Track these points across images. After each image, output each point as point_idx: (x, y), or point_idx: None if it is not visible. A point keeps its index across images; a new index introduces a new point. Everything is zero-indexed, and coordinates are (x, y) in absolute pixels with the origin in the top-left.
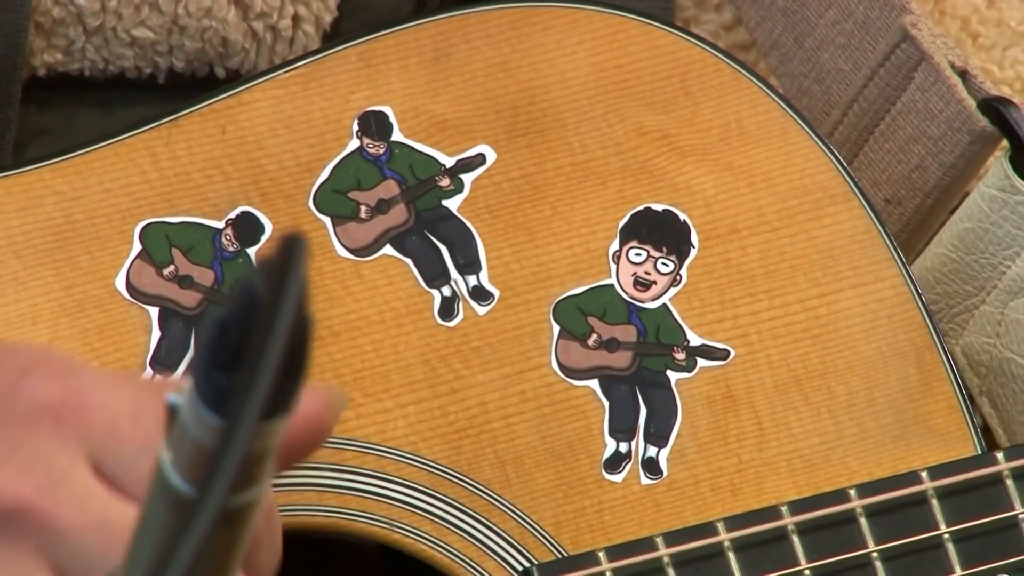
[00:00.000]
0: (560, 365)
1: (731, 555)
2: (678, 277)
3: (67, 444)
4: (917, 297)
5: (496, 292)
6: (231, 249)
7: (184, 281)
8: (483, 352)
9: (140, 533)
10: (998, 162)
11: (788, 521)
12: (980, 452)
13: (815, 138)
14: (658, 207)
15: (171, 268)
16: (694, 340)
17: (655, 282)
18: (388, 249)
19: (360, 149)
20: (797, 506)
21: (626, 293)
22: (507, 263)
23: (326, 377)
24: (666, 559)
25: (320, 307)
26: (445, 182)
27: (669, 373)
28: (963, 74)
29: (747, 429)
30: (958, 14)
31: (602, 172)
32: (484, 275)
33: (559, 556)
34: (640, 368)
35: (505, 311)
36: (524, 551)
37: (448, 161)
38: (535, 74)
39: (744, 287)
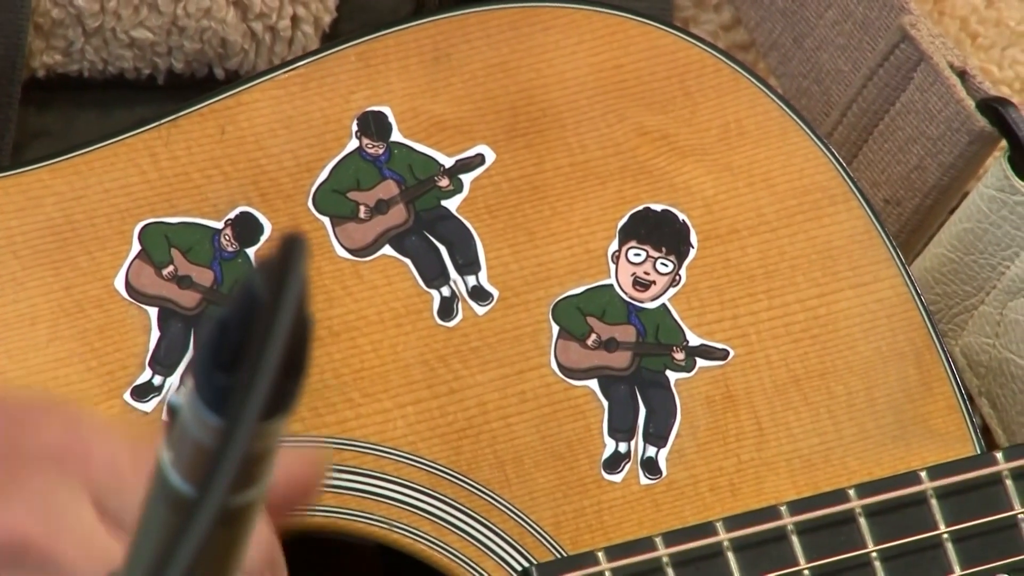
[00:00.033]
0: (559, 365)
1: (730, 555)
2: (677, 277)
3: (71, 485)
4: (916, 297)
5: (495, 292)
6: (230, 249)
7: (183, 281)
8: (482, 352)
9: (140, 533)
10: (997, 162)
11: (787, 521)
12: (979, 452)
13: (814, 138)
14: (657, 207)
15: (170, 268)
16: (693, 340)
17: (654, 282)
18: (387, 249)
19: (359, 149)
20: (796, 506)
21: (625, 293)
22: (506, 263)
23: (325, 377)
24: (665, 559)
25: (319, 307)
26: (444, 182)
27: (668, 373)
28: (962, 74)
29: (746, 429)
30: (957, 14)
31: (601, 172)
32: (483, 275)
33: (558, 556)
34: (639, 368)
35: (504, 311)
36: (523, 551)
37: (447, 161)
38: (534, 74)
39: (743, 287)
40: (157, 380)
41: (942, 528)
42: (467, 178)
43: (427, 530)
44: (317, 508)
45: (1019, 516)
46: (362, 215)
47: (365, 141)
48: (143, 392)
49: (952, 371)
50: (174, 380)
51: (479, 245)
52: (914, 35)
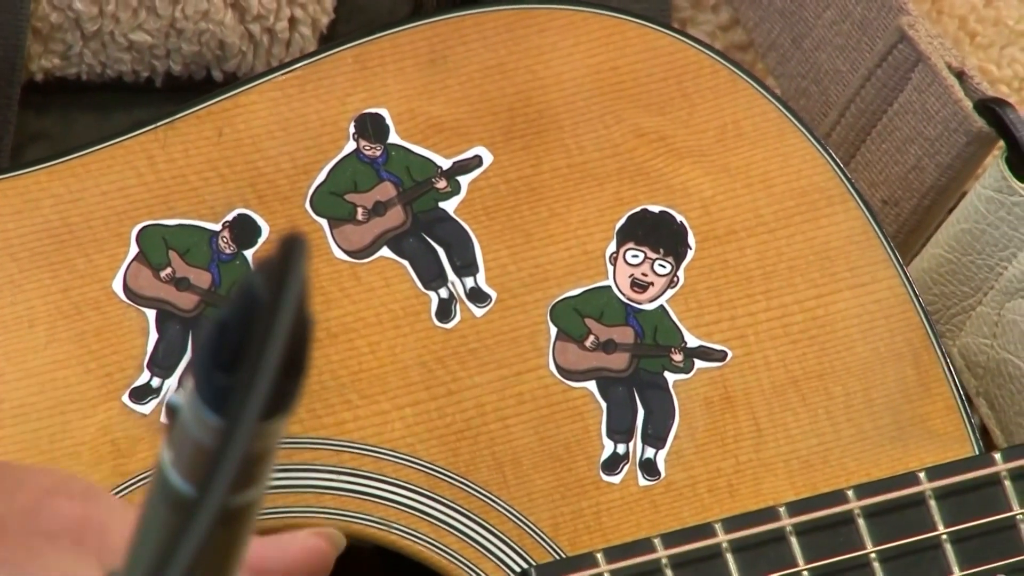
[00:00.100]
0: (557, 367)
1: (729, 556)
2: (675, 278)
3: (86, 560)
4: (914, 298)
5: (493, 294)
6: (228, 251)
7: (181, 283)
8: (480, 354)
9: (140, 533)
10: (995, 163)
11: (786, 522)
12: (978, 453)
13: (812, 139)
14: (655, 208)
15: (168, 270)
16: (691, 341)
17: (652, 283)
18: (385, 251)
19: (357, 151)
20: (795, 507)
21: (623, 294)
22: (504, 265)
23: (323, 379)
24: (664, 560)
25: (317, 309)
26: (442, 184)
27: (667, 374)
28: (960, 75)
29: (745, 430)
30: (956, 13)
31: (599, 174)
32: (481, 277)
33: (557, 557)
34: (637, 369)
35: (502, 313)
36: (522, 552)
37: (445, 163)
38: (531, 76)
39: (741, 288)
40: (155, 382)
41: (941, 529)
42: (465, 180)
43: (425, 531)
44: (316, 510)
45: (1018, 517)
46: (360, 217)
47: (362, 143)
48: (141, 394)
49: (950, 372)
50: (172, 382)
51: (477, 247)
52: (912, 35)
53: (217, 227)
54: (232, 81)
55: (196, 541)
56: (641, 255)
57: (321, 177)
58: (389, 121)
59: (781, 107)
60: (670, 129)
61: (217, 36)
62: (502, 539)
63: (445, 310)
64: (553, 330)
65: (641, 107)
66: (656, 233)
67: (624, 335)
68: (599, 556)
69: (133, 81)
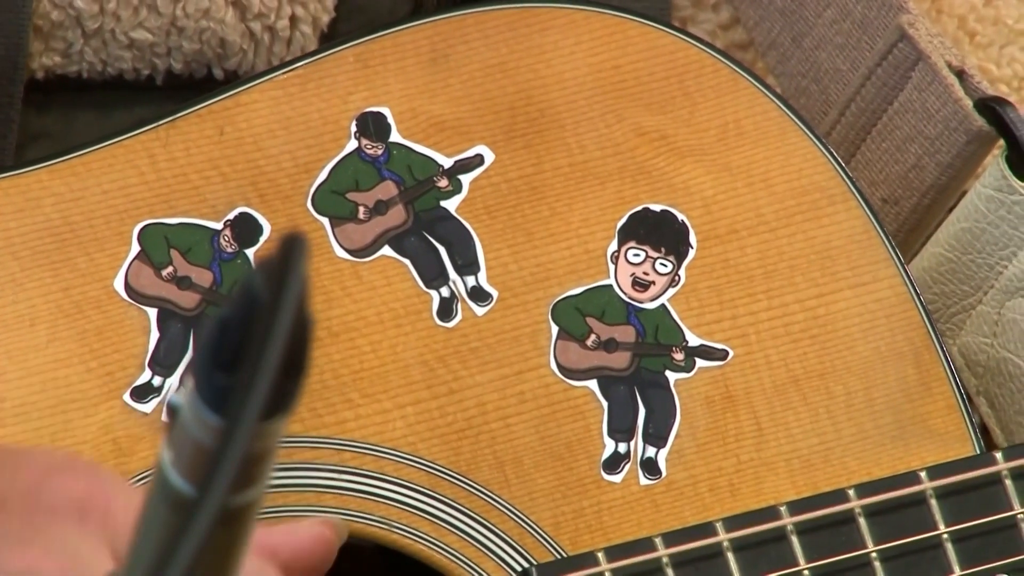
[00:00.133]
0: (559, 366)
1: (730, 555)
2: (676, 277)
3: (91, 536)
4: (915, 297)
5: (495, 293)
6: (229, 250)
7: (183, 282)
8: (482, 353)
9: (140, 533)
10: (995, 162)
11: (787, 521)
12: (978, 452)
13: (813, 138)
14: (656, 207)
15: (169, 269)
16: (693, 340)
17: (653, 282)
18: (386, 250)
19: (358, 150)
20: (796, 506)
21: (624, 293)
22: (505, 264)
23: (325, 378)
24: (665, 559)
25: (318, 308)
26: (443, 183)
27: (668, 373)
28: (960, 74)
29: (746, 429)
30: (955, 12)
31: (600, 173)
32: (483, 276)
33: (558, 556)
34: (639, 368)
35: (503, 312)
36: (523, 551)
37: (446, 162)
38: (533, 75)
39: (742, 287)
40: (157, 381)
41: (942, 528)
42: (466, 179)
43: (426, 530)
44: (317, 509)
45: (1019, 516)
46: (361, 216)
47: (364, 142)
48: (142, 393)
49: (951, 371)
50: (173, 381)
51: (478, 245)
52: (912, 34)
53: (218, 226)
54: (233, 79)
55: (196, 541)
56: (642, 254)
57: (322, 176)
58: (391, 120)
59: (782, 106)
60: (671, 128)
61: (218, 34)
62: (503, 538)
63: (446, 309)
64: (554, 329)
65: (642, 106)
66: (657, 232)
67: (625, 334)
68: (600, 555)
69: (134, 79)
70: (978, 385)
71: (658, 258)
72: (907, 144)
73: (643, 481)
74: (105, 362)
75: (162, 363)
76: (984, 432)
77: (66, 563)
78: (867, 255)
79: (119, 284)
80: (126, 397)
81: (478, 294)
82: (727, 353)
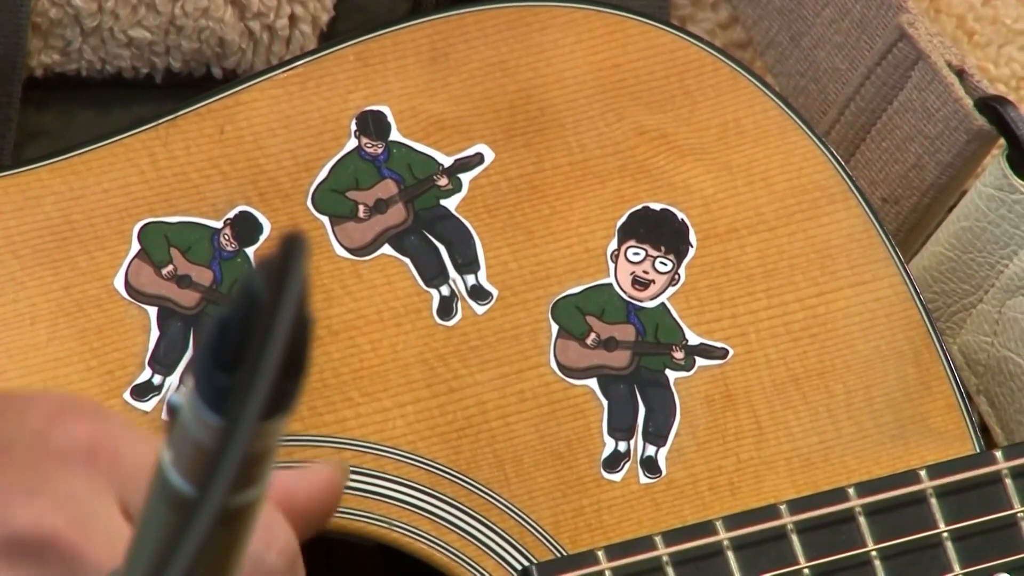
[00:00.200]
0: (559, 364)
1: (730, 554)
2: (676, 276)
3: (98, 484)
4: (915, 296)
5: (494, 291)
6: (229, 249)
7: (183, 281)
8: (481, 351)
9: (140, 533)
10: (995, 161)
11: (787, 520)
12: (978, 451)
13: (813, 137)
14: (656, 206)
15: (170, 268)
16: (693, 339)
17: (653, 281)
18: (386, 248)
19: (358, 149)
20: (796, 505)
21: (624, 292)
22: (505, 262)
23: (325, 377)
24: (665, 558)
25: (318, 307)
26: (443, 181)
27: (668, 372)
28: (960, 73)
29: (746, 428)
30: (953, 12)
31: (600, 171)
32: (483, 274)
33: (558, 555)
34: (639, 367)
35: (503, 310)
36: (523, 550)
37: (446, 160)
38: (533, 74)
39: (742, 286)
40: (157, 379)
41: (942, 527)
42: (466, 177)
43: (427, 529)
44: None
45: (1018, 515)
46: (361, 214)
47: (364, 140)
48: (143, 391)
49: (951, 370)
50: (174, 379)
51: (478, 244)
52: (912, 33)
53: (219, 224)
54: (232, 78)
55: (196, 541)
56: (642, 253)
57: (323, 175)
58: (391, 118)
59: (782, 105)
60: (671, 127)
61: (217, 33)
62: (503, 537)
63: (446, 308)
64: (554, 328)
65: (642, 105)
66: (657, 231)
67: (625, 333)
68: (600, 554)
69: (133, 77)
70: (978, 384)
71: (658, 257)
72: (907, 143)
73: (643, 480)
74: (105, 361)
75: (162, 362)
76: (984, 431)
77: (73, 514)
78: (867, 254)
79: (119, 283)
80: (126, 396)
81: (478, 293)
82: (727, 352)
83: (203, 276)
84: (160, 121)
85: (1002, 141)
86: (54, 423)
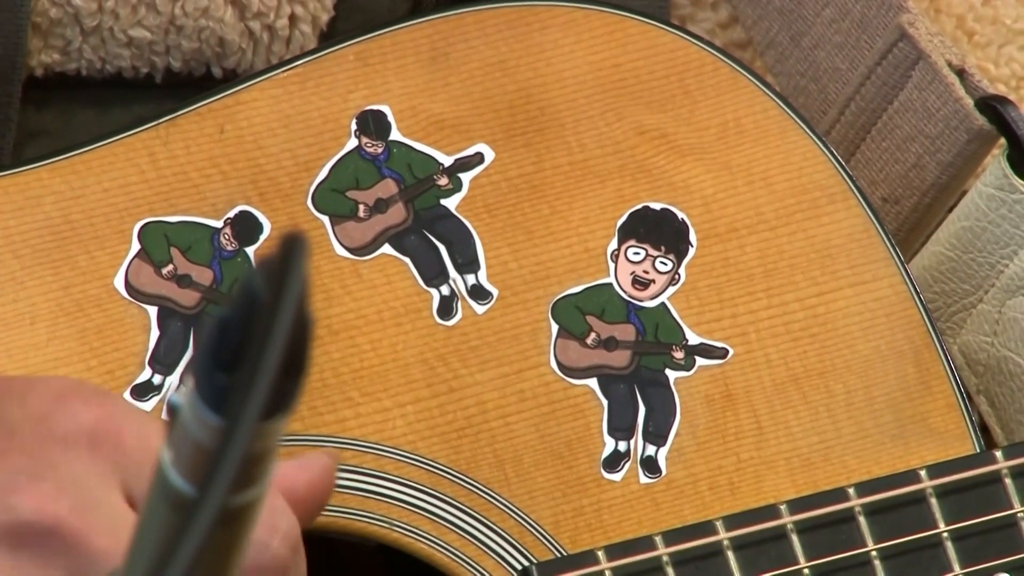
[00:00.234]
0: (559, 364)
1: (730, 554)
2: (676, 276)
3: (102, 469)
4: (915, 296)
5: (495, 291)
6: (230, 248)
7: (183, 280)
8: (482, 351)
9: (141, 533)
10: (996, 161)
11: (787, 520)
12: (978, 451)
13: (813, 137)
14: (656, 206)
15: (170, 267)
16: (693, 339)
17: (653, 281)
18: (387, 248)
19: (358, 148)
20: (796, 505)
21: (625, 292)
22: (505, 262)
23: (325, 376)
24: (665, 558)
25: (318, 306)
26: (443, 181)
27: (668, 372)
28: (961, 73)
29: (746, 428)
30: (953, 12)
31: (600, 171)
32: (483, 274)
33: (558, 555)
34: (639, 367)
35: (504, 310)
36: (523, 550)
37: (446, 160)
38: (533, 73)
39: (743, 286)
40: (157, 379)
41: (941, 527)
42: (466, 177)
43: (427, 529)
44: None
45: (1018, 515)
46: (361, 214)
47: (364, 140)
48: (143, 391)
49: (951, 369)
50: (174, 379)
51: (478, 244)
52: (912, 33)
53: (219, 224)
54: (232, 78)
55: (196, 541)
56: (642, 252)
57: (323, 174)
58: (391, 118)
59: (783, 104)
60: (672, 126)
61: (217, 33)
62: (503, 536)
63: (446, 307)
64: (554, 327)
65: (643, 104)
66: (658, 230)
67: (625, 332)
68: (600, 554)
69: (132, 77)
70: (978, 384)
71: (658, 256)
72: (907, 143)
73: (643, 480)
74: (105, 360)
75: (162, 361)
76: (984, 431)
77: (77, 500)
78: (867, 254)
79: (119, 282)
80: (126, 395)
81: (478, 292)
82: (727, 352)
83: (203, 276)
84: (160, 121)
85: (1002, 141)
86: (57, 408)
